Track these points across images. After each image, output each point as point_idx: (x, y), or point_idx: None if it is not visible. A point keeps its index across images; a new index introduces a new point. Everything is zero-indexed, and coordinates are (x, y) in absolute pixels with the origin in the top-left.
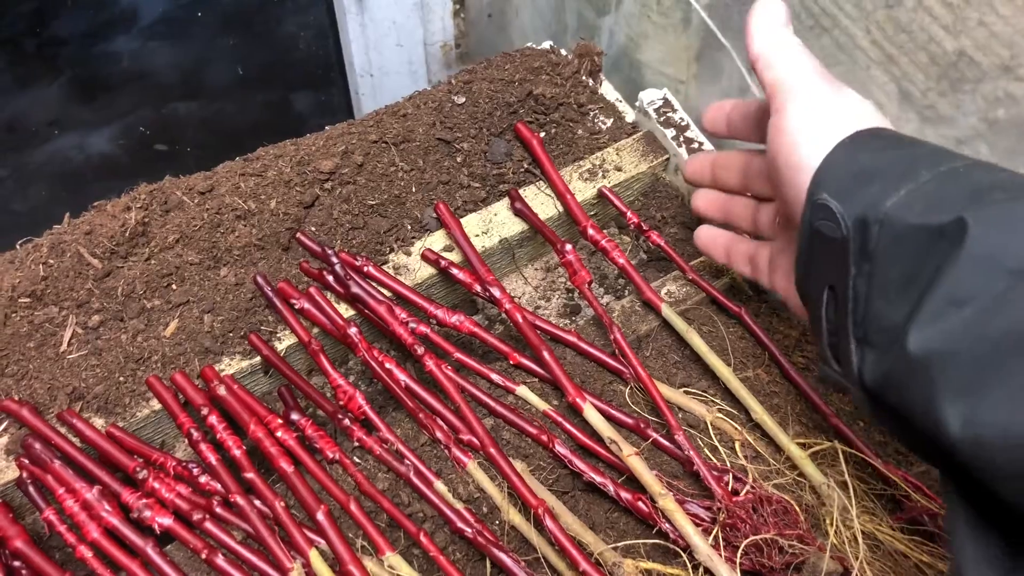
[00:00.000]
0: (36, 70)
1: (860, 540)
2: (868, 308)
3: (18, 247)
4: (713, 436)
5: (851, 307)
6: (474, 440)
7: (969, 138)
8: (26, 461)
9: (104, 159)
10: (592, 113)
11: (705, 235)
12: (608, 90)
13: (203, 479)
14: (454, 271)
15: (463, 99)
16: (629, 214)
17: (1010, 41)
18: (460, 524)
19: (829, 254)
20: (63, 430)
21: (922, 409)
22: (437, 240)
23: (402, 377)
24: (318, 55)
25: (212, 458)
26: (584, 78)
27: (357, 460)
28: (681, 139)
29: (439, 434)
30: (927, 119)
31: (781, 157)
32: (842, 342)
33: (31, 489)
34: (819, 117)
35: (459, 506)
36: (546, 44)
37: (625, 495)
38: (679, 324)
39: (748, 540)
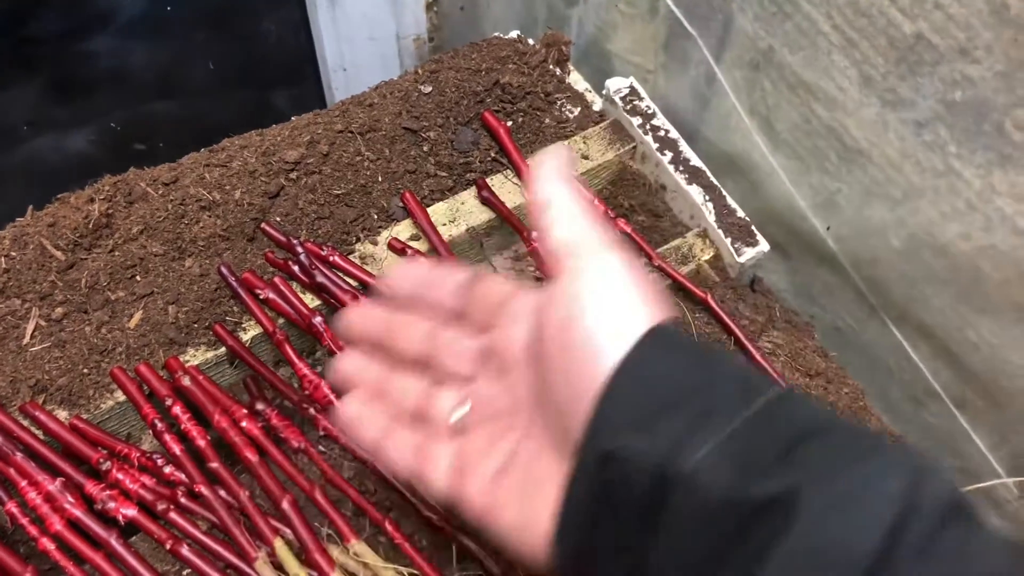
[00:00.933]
0: (12, 70)
1: None
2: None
3: None
4: None
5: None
6: None
7: (929, 120)
8: None
9: (81, 159)
10: (559, 102)
11: (353, 411)
12: (577, 80)
13: (167, 470)
14: (420, 259)
15: (430, 88)
16: (596, 202)
17: (966, 23)
18: (426, 512)
19: (620, 511)
20: (26, 423)
21: None
22: (404, 229)
23: None
24: (291, 50)
25: (176, 448)
26: (551, 67)
27: (323, 449)
28: (647, 127)
29: None
30: (888, 103)
31: (569, 344)
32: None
33: None
34: (619, 311)
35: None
36: (513, 34)
37: None
38: None
39: None
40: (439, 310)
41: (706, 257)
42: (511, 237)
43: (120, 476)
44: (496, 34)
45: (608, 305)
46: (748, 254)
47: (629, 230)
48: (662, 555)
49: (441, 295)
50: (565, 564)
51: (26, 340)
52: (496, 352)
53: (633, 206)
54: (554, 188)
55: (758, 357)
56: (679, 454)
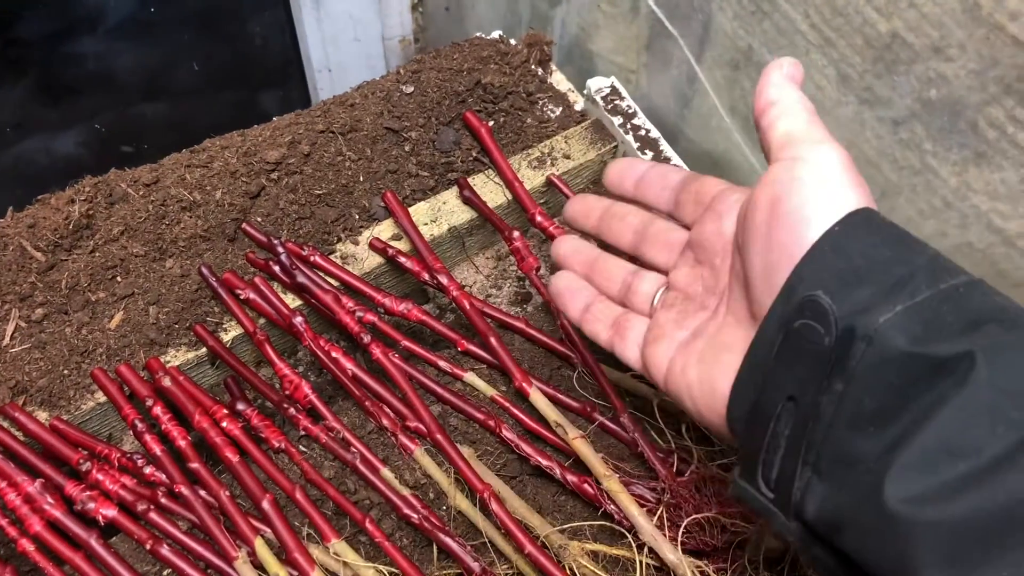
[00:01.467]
0: (0, 72)
1: None
2: (829, 433)
3: None
4: (659, 419)
5: (810, 427)
6: (421, 427)
7: (905, 118)
8: None
9: (69, 161)
10: (541, 102)
11: (564, 284)
12: (560, 80)
13: (148, 470)
14: (402, 259)
15: (411, 88)
16: None
17: (939, 22)
18: (407, 510)
19: (799, 361)
20: (5, 424)
21: (893, 570)
22: (385, 229)
23: (349, 366)
24: (276, 51)
25: (157, 449)
26: (533, 67)
27: (303, 449)
28: (628, 126)
29: (386, 421)
30: (865, 101)
31: (776, 218)
32: (785, 463)
33: None
34: (830, 192)
35: (406, 492)
36: (495, 34)
37: (571, 478)
38: None
39: (690, 518)
40: (653, 205)
41: None
42: (493, 236)
43: (100, 477)
44: (478, 34)
45: (819, 185)
46: None
47: None
48: (835, 405)
49: (656, 192)
50: (739, 422)
51: (6, 341)
52: (699, 243)
53: None
54: (782, 89)
55: None
56: (868, 314)
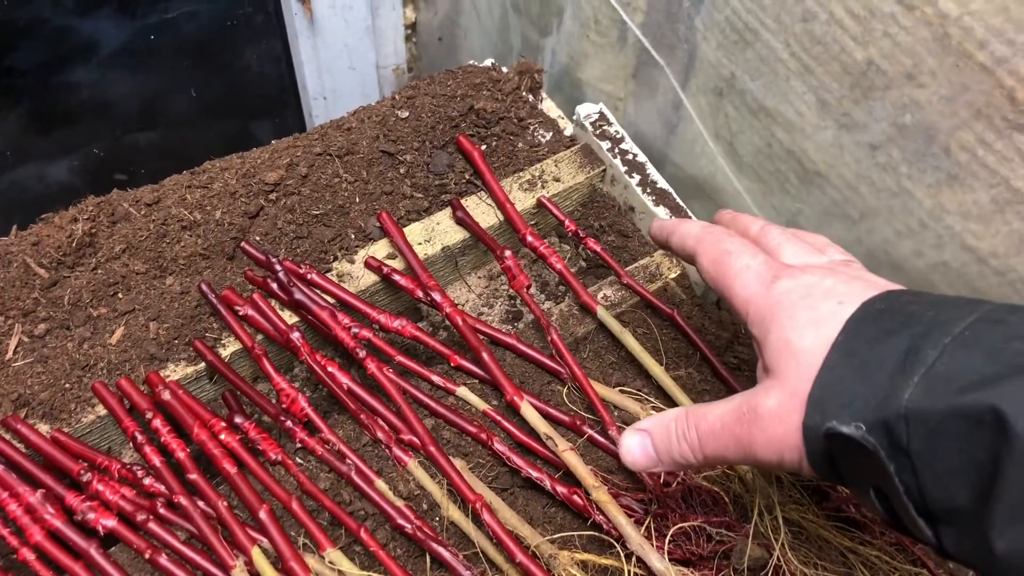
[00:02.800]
0: None
1: (782, 526)
2: (925, 495)
3: None
4: None
5: (905, 499)
6: (415, 440)
7: (882, 143)
8: None
9: (63, 189)
10: (532, 127)
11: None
12: (550, 107)
13: (147, 481)
14: (396, 277)
15: (407, 113)
16: (567, 222)
17: (912, 50)
18: (400, 521)
19: (858, 462)
20: (7, 435)
21: None
22: (380, 248)
23: (344, 380)
24: (272, 79)
25: (156, 460)
26: (524, 94)
27: (300, 461)
28: (616, 151)
29: (380, 434)
30: (843, 126)
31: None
32: (908, 521)
33: None
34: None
35: (399, 503)
36: (488, 62)
37: (561, 489)
38: (614, 326)
39: (676, 527)
40: None
41: (673, 275)
42: (485, 256)
43: (100, 488)
44: (471, 62)
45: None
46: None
47: (599, 249)
48: (910, 473)
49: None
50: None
51: (8, 356)
52: None
53: (603, 226)
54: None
55: (723, 372)
56: (893, 400)
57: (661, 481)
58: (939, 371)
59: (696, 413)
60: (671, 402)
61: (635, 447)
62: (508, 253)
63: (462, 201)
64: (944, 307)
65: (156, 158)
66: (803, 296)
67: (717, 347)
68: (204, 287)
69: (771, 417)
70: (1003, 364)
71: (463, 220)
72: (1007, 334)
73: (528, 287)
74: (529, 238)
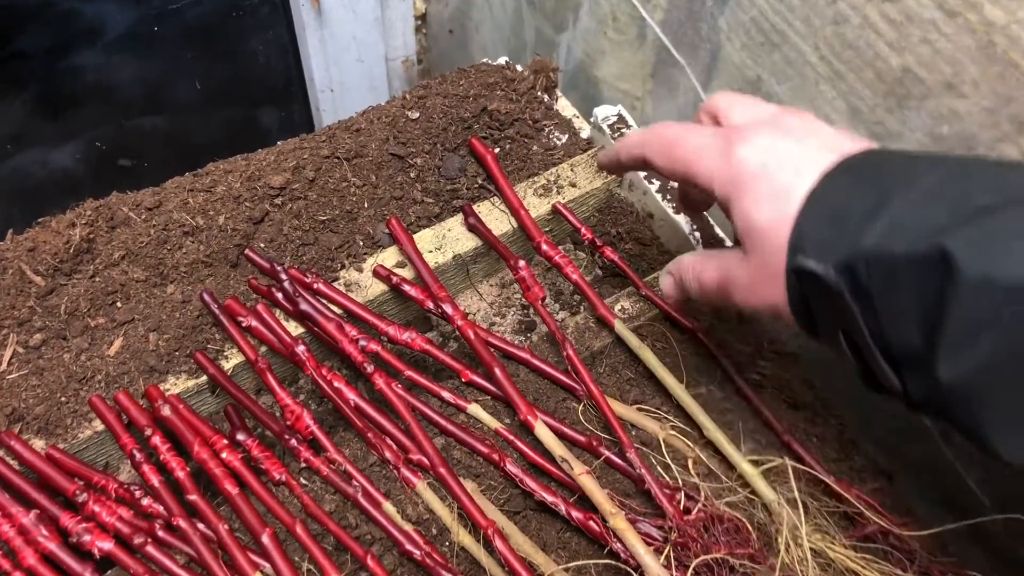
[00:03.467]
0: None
1: (809, 558)
2: (887, 339)
3: None
4: (666, 454)
5: (871, 343)
6: (424, 460)
7: None
8: None
9: (67, 175)
10: (547, 129)
11: None
12: (565, 106)
13: (145, 501)
14: (406, 287)
15: (417, 114)
16: (583, 230)
17: (953, 58)
18: (408, 546)
19: (827, 303)
20: (0, 452)
21: (973, 435)
22: (389, 256)
23: (351, 396)
24: (279, 70)
25: (155, 480)
26: (539, 94)
27: (304, 481)
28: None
29: (388, 454)
30: (876, 135)
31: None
32: (876, 369)
33: None
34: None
35: (408, 527)
36: (501, 60)
37: (576, 515)
38: (632, 340)
39: (699, 560)
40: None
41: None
42: (498, 263)
43: (97, 508)
44: (484, 60)
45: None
46: None
47: (616, 258)
48: (872, 316)
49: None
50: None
51: (3, 367)
52: None
53: (620, 234)
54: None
55: (747, 391)
56: (857, 243)
57: (682, 507)
58: (901, 220)
59: (698, 267)
60: (691, 421)
61: (667, 284)
62: (522, 264)
63: (474, 207)
64: (916, 160)
65: (161, 145)
66: (761, 166)
67: (739, 363)
68: (206, 296)
69: (746, 287)
70: (960, 215)
71: (475, 227)
72: (969, 188)
73: (543, 299)
74: (544, 247)
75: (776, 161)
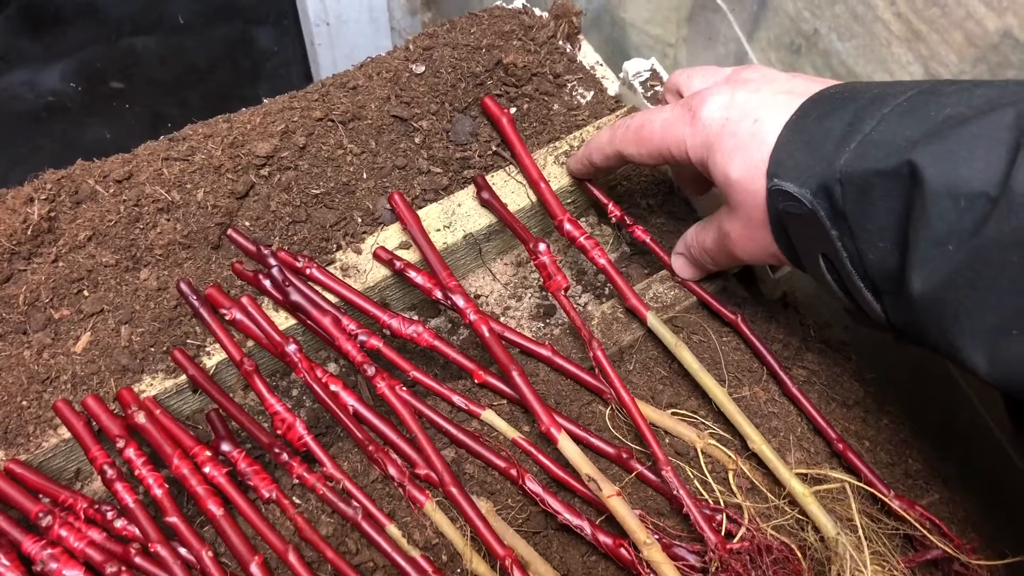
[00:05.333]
0: None
1: None
2: (864, 260)
3: None
4: (704, 466)
5: (849, 266)
6: (432, 475)
7: None
8: None
9: (57, 96)
10: (570, 85)
11: None
12: (587, 52)
13: (119, 523)
14: (411, 273)
15: (423, 68)
16: (611, 205)
17: None
18: (416, 575)
19: (805, 227)
20: None
21: (947, 351)
22: (392, 236)
23: (350, 401)
24: (269, 1)
25: (129, 499)
26: (561, 43)
27: (297, 500)
28: None
29: (392, 469)
30: None
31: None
32: (857, 295)
33: None
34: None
35: (415, 554)
36: (518, 3)
37: (605, 540)
38: (667, 337)
39: None
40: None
41: (734, 270)
42: (513, 239)
43: (63, 532)
44: (498, 3)
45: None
46: (782, 267)
47: (648, 239)
48: (849, 238)
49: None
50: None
51: None
52: None
53: (652, 206)
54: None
55: (794, 390)
56: (832, 165)
57: (723, 530)
58: (873, 138)
59: (700, 237)
60: (731, 426)
61: (681, 265)
62: (543, 247)
63: (488, 176)
64: (889, 85)
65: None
66: (723, 123)
67: (785, 356)
68: (184, 287)
69: (741, 239)
70: (928, 129)
71: (489, 203)
72: (939, 104)
73: (566, 289)
74: (567, 226)
75: (736, 114)
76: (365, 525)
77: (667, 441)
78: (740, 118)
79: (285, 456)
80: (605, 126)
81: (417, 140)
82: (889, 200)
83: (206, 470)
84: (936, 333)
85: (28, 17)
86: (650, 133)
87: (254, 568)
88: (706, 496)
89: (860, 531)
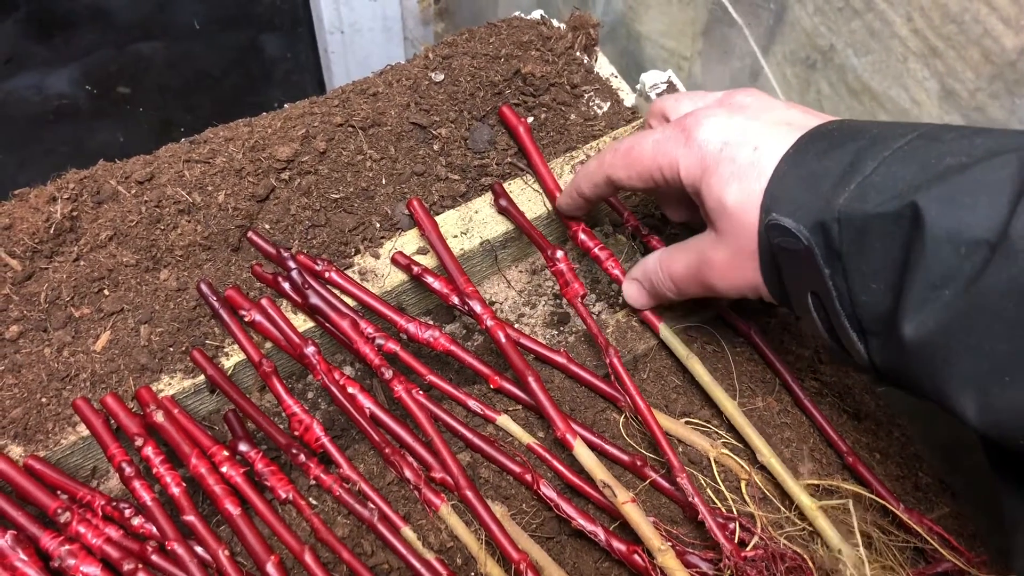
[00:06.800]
0: None
1: None
2: (855, 301)
3: None
4: (717, 476)
5: (838, 305)
6: (448, 479)
7: None
8: None
9: (64, 101)
10: (587, 95)
11: None
12: (603, 64)
13: (136, 521)
14: (429, 279)
15: (442, 76)
16: (626, 215)
17: None
18: None
19: (798, 264)
20: None
21: (935, 396)
22: (409, 241)
23: (367, 404)
24: (284, 10)
25: (147, 497)
26: (578, 54)
27: (314, 501)
28: None
29: (408, 472)
30: (973, 122)
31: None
32: (842, 335)
33: None
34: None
35: (430, 556)
36: (536, 14)
37: (619, 546)
38: (680, 350)
39: None
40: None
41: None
42: (528, 247)
43: (82, 529)
44: (517, 13)
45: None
46: None
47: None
48: (841, 277)
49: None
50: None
51: None
52: None
53: (666, 216)
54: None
55: (806, 402)
56: (830, 204)
57: (736, 539)
58: (874, 180)
59: (667, 261)
60: (743, 438)
61: (635, 293)
62: (560, 254)
63: (505, 184)
64: (890, 126)
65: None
66: (722, 145)
67: (798, 368)
68: (204, 288)
69: (724, 268)
70: (930, 174)
71: (506, 210)
72: (941, 151)
73: (583, 297)
74: (582, 236)
75: (736, 139)
76: (381, 527)
77: (681, 450)
78: (740, 144)
79: (302, 457)
80: (588, 161)
81: (436, 147)
82: (887, 243)
83: (223, 470)
84: (925, 378)
85: (37, 21)
86: (640, 154)
87: (270, 568)
88: (719, 505)
89: (872, 543)
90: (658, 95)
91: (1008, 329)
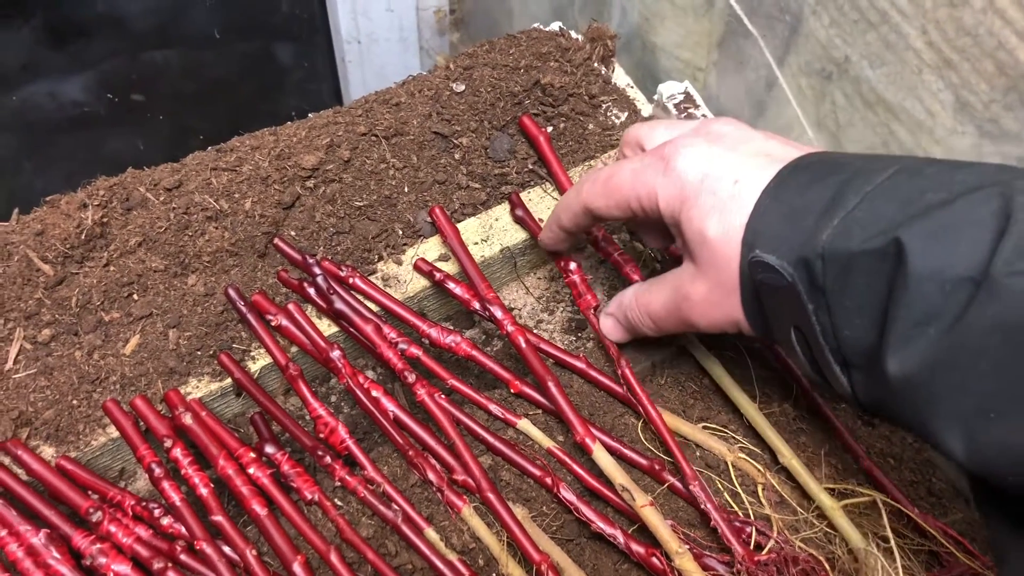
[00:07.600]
0: (5, 11)
1: None
2: (838, 336)
3: None
4: (735, 479)
5: (822, 340)
6: (470, 481)
7: None
8: None
9: (78, 108)
10: (605, 105)
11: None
12: (619, 75)
13: (165, 521)
14: (450, 285)
15: (463, 87)
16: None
17: None
18: None
19: (781, 299)
20: (7, 462)
21: (920, 431)
22: (431, 248)
23: (391, 407)
24: (301, 18)
25: (176, 497)
26: (596, 65)
27: (339, 503)
28: None
29: (431, 474)
30: (987, 133)
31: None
32: (826, 369)
33: None
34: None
35: (452, 557)
36: (555, 25)
37: (637, 548)
38: (700, 353)
39: None
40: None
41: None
42: (547, 254)
43: (112, 528)
44: (536, 26)
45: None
46: None
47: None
48: (825, 312)
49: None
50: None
51: (9, 365)
52: None
53: None
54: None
55: (824, 409)
56: (813, 240)
57: (752, 543)
58: (857, 216)
59: (643, 299)
60: (761, 441)
61: (611, 328)
62: (573, 266)
63: (525, 192)
64: (870, 160)
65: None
66: (702, 176)
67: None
68: (232, 293)
69: (704, 303)
70: (913, 210)
71: (523, 220)
72: (922, 186)
73: (596, 308)
74: (601, 242)
75: (716, 171)
76: (404, 528)
77: (699, 454)
78: (720, 176)
79: (327, 459)
80: (566, 194)
81: (457, 156)
82: (871, 279)
83: (251, 471)
84: (910, 414)
85: (52, 28)
86: (619, 183)
87: (297, 567)
88: (736, 508)
89: (891, 543)
90: (675, 105)
91: (993, 366)
